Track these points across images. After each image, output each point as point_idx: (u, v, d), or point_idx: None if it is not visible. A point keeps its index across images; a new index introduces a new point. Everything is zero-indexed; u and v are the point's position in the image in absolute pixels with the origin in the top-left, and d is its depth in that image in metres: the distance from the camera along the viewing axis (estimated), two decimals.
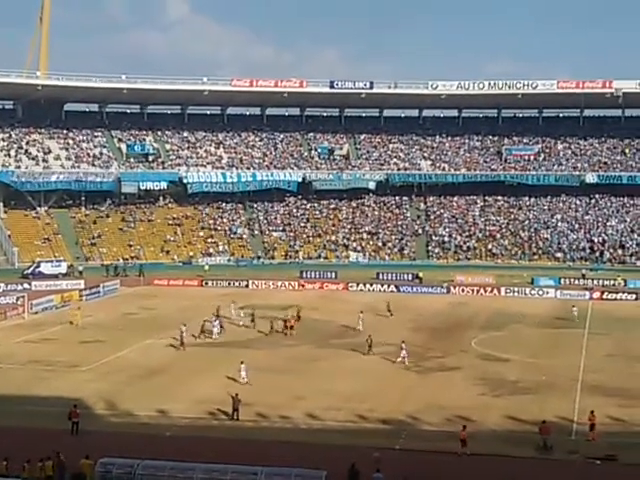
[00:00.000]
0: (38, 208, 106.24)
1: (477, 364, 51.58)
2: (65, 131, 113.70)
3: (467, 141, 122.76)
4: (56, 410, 39.01)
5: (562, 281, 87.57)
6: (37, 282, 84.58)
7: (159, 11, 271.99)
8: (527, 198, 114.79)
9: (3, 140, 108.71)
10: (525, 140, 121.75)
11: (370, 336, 55.00)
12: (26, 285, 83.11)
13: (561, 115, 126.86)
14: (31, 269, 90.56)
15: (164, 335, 59.39)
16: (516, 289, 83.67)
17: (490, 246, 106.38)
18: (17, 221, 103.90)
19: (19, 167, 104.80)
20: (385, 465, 31.26)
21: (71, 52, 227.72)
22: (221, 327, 60.41)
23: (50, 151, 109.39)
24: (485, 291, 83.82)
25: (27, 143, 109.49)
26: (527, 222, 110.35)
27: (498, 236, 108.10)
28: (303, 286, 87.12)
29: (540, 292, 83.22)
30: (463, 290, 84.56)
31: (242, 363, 45.91)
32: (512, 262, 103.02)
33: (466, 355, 54.29)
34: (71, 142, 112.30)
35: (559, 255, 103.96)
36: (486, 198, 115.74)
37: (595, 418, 36.94)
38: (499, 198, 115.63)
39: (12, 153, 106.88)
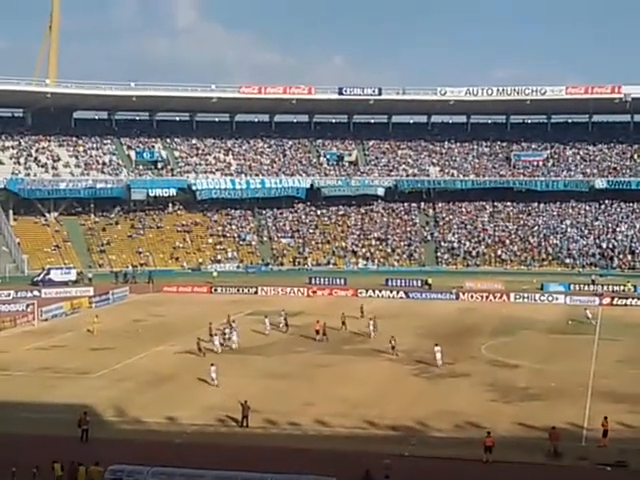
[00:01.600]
0: (47, 215, 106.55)
1: (487, 370, 51.47)
2: (74, 139, 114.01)
3: (476, 147, 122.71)
4: (66, 417, 39.02)
5: (572, 287, 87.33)
6: (47, 289, 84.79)
7: (168, 18, 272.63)
8: (536, 204, 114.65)
9: (13, 148, 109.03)
10: (534, 146, 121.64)
11: (393, 337, 55.14)
12: (36, 292, 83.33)
13: (570, 121, 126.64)
14: (41, 276, 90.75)
15: (174, 342, 59.48)
16: (526, 295, 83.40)
17: (499, 252, 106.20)
18: (27, 228, 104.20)
19: (29, 175, 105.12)
20: (394, 472, 31.20)
21: (80, 59, 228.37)
22: (224, 336, 58.98)
23: (59, 159, 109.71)
24: (494, 297, 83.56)
25: (37, 151, 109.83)
26: (536, 228, 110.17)
27: (507, 242, 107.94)
28: (315, 292, 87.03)
29: (550, 298, 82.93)
30: (472, 296, 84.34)
31: (212, 365, 46.91)
32: (521, 268, 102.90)
33: (475, 361, 54.17)
34: (80, 150, 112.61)
35: (568, 261, 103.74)
36: (495, 204, 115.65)
37: (608, 424, 36.80)
38: (508, 204, 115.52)
39: (22, 161, 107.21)
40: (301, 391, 45.74)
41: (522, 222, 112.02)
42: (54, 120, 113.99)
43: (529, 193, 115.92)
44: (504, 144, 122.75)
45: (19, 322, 66.79)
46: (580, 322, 67.86)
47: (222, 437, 37.99)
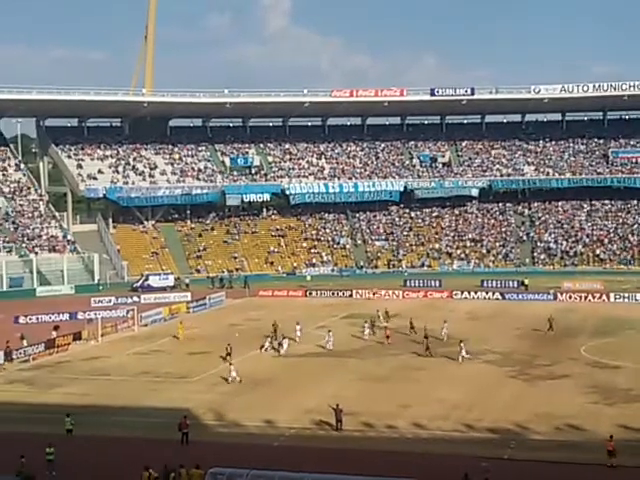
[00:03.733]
0: (145, 222, 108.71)
1: (587, 372, 50.47)
2: (170, 146, 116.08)
3: (572, 145, 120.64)
4: (166, 421, 39.71)
5: None
6: (146, 295, 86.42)
7: (259, 25, 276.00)
8: (635, 202, 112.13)
9: (111, 157, 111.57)
10: (632, 142, 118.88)
11: (461, 341, 54.76)
12: (135, 298, 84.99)
13: None
14: (140, 282, 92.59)
15: (271, 346, 59.93)
16: (626, 295, 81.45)
17: (598, 251, 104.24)
18: (126, 236, 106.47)
19: (127, 183, 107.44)
20: (494, 475, 30.84)
21: (174, 68, 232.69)
22: (279, 343, 59.03)
23: (156, 166, 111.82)
24: (593, 297, 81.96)
25: (134, 159, 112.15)
26: (636, 226, 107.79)
27: (606, 241, 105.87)
28: (407, 294, 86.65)
29: None
30: (570, 297, 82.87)
31: (231, 365, 49.57)
32: (621, 267, 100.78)
33: (575, 363, 53.16)
34: (176, 157, 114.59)
35: None
36: (593, 202, 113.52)
37: (611, 444, 33.91)
38: (606, 202, 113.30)
39: (120, 170, 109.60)
40: (397, 393, 45.54)
41: (621, 220, 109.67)
42: (150, 129, 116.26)
43: (628, 190, 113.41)
44: (601, 141, 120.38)
45: (120, 328, 68.17)
46: None
47: (319, 440, 38.07)
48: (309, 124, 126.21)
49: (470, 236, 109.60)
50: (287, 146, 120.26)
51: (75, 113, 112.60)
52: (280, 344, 58.48)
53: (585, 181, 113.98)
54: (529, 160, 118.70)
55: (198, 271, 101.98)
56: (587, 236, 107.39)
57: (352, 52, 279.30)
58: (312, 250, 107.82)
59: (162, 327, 70.04)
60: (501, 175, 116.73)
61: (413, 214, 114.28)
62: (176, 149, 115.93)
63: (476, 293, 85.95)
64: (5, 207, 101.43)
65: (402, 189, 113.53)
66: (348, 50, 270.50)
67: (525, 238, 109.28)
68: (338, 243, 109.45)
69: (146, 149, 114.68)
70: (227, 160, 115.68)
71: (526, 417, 40.38)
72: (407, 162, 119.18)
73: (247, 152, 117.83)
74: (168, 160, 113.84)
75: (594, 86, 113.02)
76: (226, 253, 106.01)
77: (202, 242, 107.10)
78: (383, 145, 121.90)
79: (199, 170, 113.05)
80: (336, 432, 38.84)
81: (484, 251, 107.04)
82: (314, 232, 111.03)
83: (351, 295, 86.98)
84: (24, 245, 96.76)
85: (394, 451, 35.98)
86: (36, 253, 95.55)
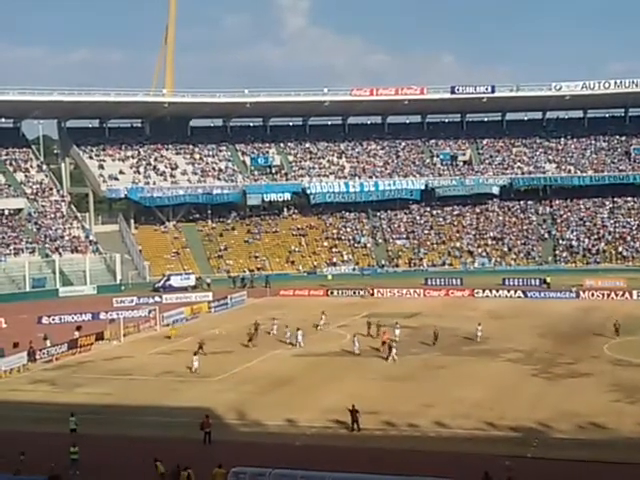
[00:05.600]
0: (167, 223, 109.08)
1: (610, 370, 50.22)
2: (191, 146, 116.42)
3: (593, 142, 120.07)
4: (188, 420, 39.84)
5: None
6: (167, 295, 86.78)
7: (278, 25, 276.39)
8: None
9: (133, 157, 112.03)
10: None
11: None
12: (157, 298, 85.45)
13: None
14: (161, 282, 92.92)
15: (289, 345, 60.09)
16: None
17: (620, 249, 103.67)
18: (147, 236, 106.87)
19: (148, 183, 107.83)
20: (517, 474, 30.78)
21: (194, 69, 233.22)
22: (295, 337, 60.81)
23: (177, 166, 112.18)
24: (616, 295, 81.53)
25: (155, 160, 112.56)
26: None
27: (628, 238, 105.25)
28: (428, 292, 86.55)
29: None
30: (593, 294, 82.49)
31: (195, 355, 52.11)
32: None
33: (598, 361, 52.90)
34: (197, 157, 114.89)
35: None
36: (615, 199, 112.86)
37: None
38: (629, 199, 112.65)
39: (141, 170, 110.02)
40: (419, 392, 45.53)
41: None
42: (171, 129, 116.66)
43: None
44: (623, 138, 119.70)
45: (142, 327, 68.50)
46: None
47: (341, 439, 38.09)
48: (329, 123, 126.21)
49: (491, 234, 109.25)
50: (307, 145, 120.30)
51: (96, 114, 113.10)
52: (296, 337, 59.67)
53: (607, 178, 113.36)
54: (550, 158, 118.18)
55: (218, 270, 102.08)
56: (609, 233, 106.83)
57: (371, 51, 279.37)
58: (333, 249, 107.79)
59: (184, 327, 70.16)
60: (522, 173, 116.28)
61: (434, 212, 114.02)
62: (197, 149, 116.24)
63: (498, 291, 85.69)
64: (28, 208, 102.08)
65: (423, 187, 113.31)
66: (366, 49, 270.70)
67: (547, 236, 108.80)
68: (359, 242, 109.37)
69: (167, 149, 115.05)
70: (248, 160, 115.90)
71: (548, 415, 40.25)
72: (428, 160, 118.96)
73: (267, 152, 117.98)
74: (189, 160, 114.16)
75: (615, 83, 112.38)
76: (247, 253, 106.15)
77: (223, 242, 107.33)
78: (403, 144, 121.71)
79: (220, 170, 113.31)
80: (359, 432, 38.80)
81: (505, 249, 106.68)
82: (335, 231, 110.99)
83: (372, 294, 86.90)
84: (47, 246, 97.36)
85: (415, 450, 35.98)
86: (60, 254, 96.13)
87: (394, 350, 53.72)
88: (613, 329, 61.06)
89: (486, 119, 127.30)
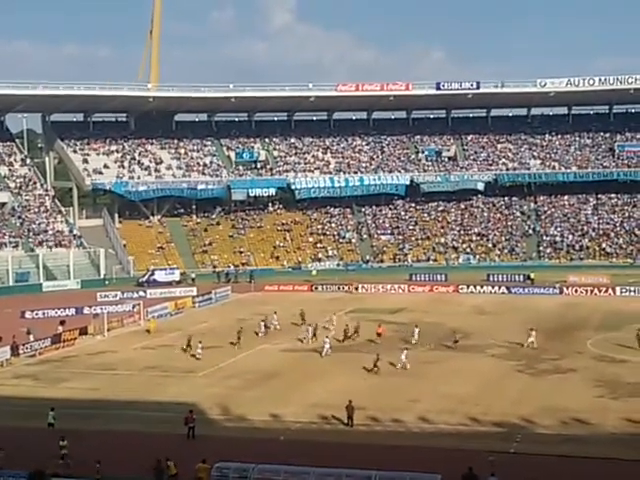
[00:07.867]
0: (151, 217, 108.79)
1: (593, 365, 50.46)
2: (176, 141, 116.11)
3: (577, 139, 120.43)
4: (172, 415, 39.78)
5: None
6: (152, 290, 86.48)
7: (264, 20, 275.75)
8: None
9: (117, 152, 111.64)
10: (638, 136, 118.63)
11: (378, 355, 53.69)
12: (141, 293, 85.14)
13: None
14: (146, 277, 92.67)
15: (278, 340, 60.06)
16: (632, 289, 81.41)
17: (604, 245, 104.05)
18: (131, 231, 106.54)
19: (132, 178, 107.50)
20: (500, 469, 30.85)
21: (179, 63, 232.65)
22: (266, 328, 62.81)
23: (162, 161, 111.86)
24: (599, 291, 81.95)
25: (140, 154, 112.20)
26: None
27: (612, 235, 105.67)
28: (412, 288, 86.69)
29: None
30: (576, 290, 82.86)
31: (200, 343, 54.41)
32: (627, 261, 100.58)
33: (581, 356, 53.18)
34: (182, 152, 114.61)
35: None
36: (599, 196, 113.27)
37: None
38: (612, 196, 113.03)
39: (126, 164, 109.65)
40: (406, 388, 45.59)
41: (627, 214, 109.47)
42: (156, 123, 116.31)
43: (634, 184, 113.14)
44: (607, 135, 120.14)
45: (126, 322, 68.33)
46: None
47: (326, 434, 38.11)
48: (314, 118, 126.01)
49: (476, 230, 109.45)
50: (292, 140, 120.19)
51: (81, 108, 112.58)
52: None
53: (591, 175, 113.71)
54: (535, 154, 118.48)
55: (203, 265, 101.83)
56: (593, 230, 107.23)
57: (357, 47, 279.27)
58: (318, 244, 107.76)
59: (168, 322, 70.10)
60: (507, 169, 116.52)
61: (419, 208, 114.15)
62: (182, 144, 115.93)
63: (482, 287, 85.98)
64: (11, 202, 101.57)
65: (408, 183, 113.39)
66: (353, 45, 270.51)
67: (531, 232, 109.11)
68: (344, 237, 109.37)
69: (152, 144, 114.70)
70: (232, 155, 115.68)
71: (532, 411, 40.40)
72: (413, 156, 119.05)
73: (253, 147, 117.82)
74: (174, 155, 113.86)
75: (600, 80, 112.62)
76: (232, 248, 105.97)
77: (208, 237, 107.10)
78: (389, 139, 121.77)
79: (205, 165, 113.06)
80: (344, 426, 38.81)
81: (490, 245, 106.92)
82: (320, 226, 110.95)
83: (357, 289, 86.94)
84: (30, 240, 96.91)
85: (400, 445, 36.00)
86: (45, 248, 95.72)
87: (403, 356, 50.63)
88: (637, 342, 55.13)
89: (471, 115, 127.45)
